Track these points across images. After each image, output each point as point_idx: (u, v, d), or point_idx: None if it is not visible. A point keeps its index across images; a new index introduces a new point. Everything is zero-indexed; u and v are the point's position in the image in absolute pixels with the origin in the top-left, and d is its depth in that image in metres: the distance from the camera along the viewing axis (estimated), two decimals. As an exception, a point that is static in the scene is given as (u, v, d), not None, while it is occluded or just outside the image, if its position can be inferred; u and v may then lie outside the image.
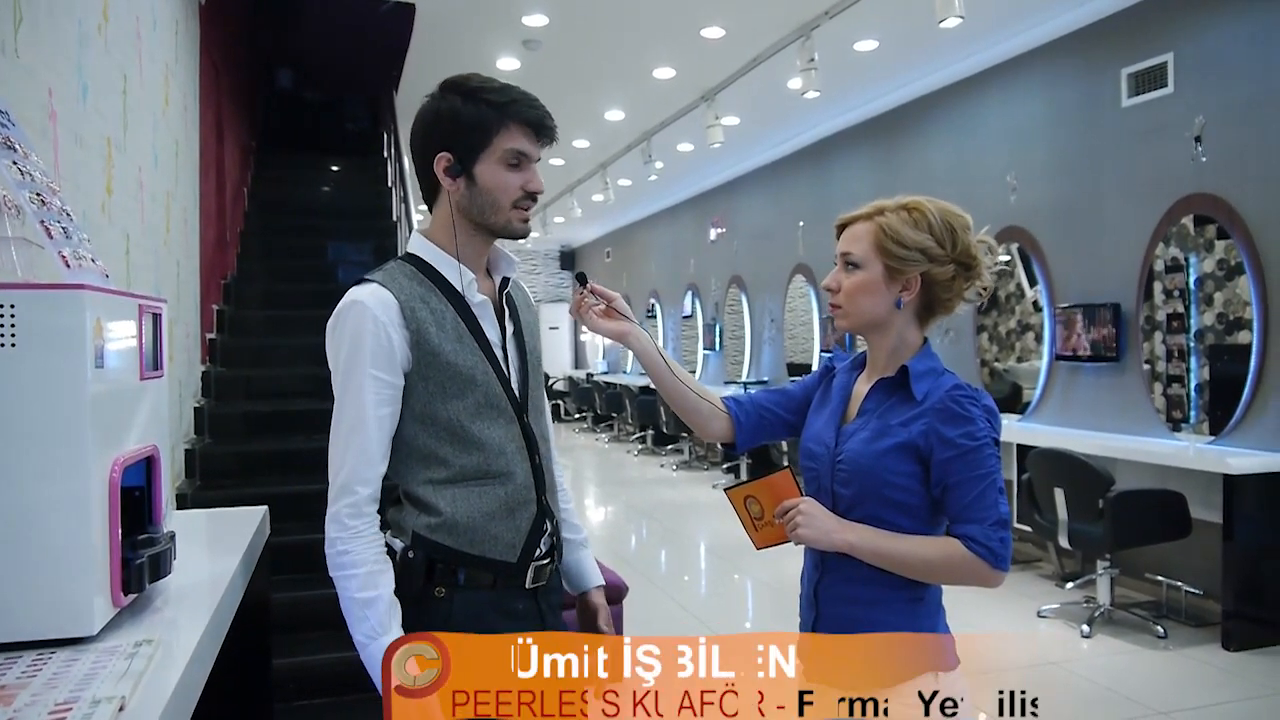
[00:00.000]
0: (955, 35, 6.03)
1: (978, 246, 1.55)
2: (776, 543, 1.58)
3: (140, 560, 1.22)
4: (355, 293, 1.48)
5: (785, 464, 8.16)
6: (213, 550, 1.73)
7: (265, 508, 2.05)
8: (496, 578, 1.52)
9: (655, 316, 13.93)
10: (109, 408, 1.19)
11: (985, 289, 1.58)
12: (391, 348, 1.46)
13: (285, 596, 3.52)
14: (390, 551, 1.51)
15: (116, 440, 1.22)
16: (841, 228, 1.60)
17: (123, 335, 1.26)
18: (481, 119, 1.49)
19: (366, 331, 1.45)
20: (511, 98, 1.51)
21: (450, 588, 1.50)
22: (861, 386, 1.61)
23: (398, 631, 1.43)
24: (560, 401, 16.59)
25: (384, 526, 1.54)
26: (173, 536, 1.35)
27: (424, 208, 1.61)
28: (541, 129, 1.54)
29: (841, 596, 1.54)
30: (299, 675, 3.35)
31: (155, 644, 1.11)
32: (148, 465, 1.36)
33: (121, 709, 0.92)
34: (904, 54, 6.48)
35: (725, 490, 1.63)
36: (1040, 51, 6.00)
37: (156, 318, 1.40)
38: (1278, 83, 4.46)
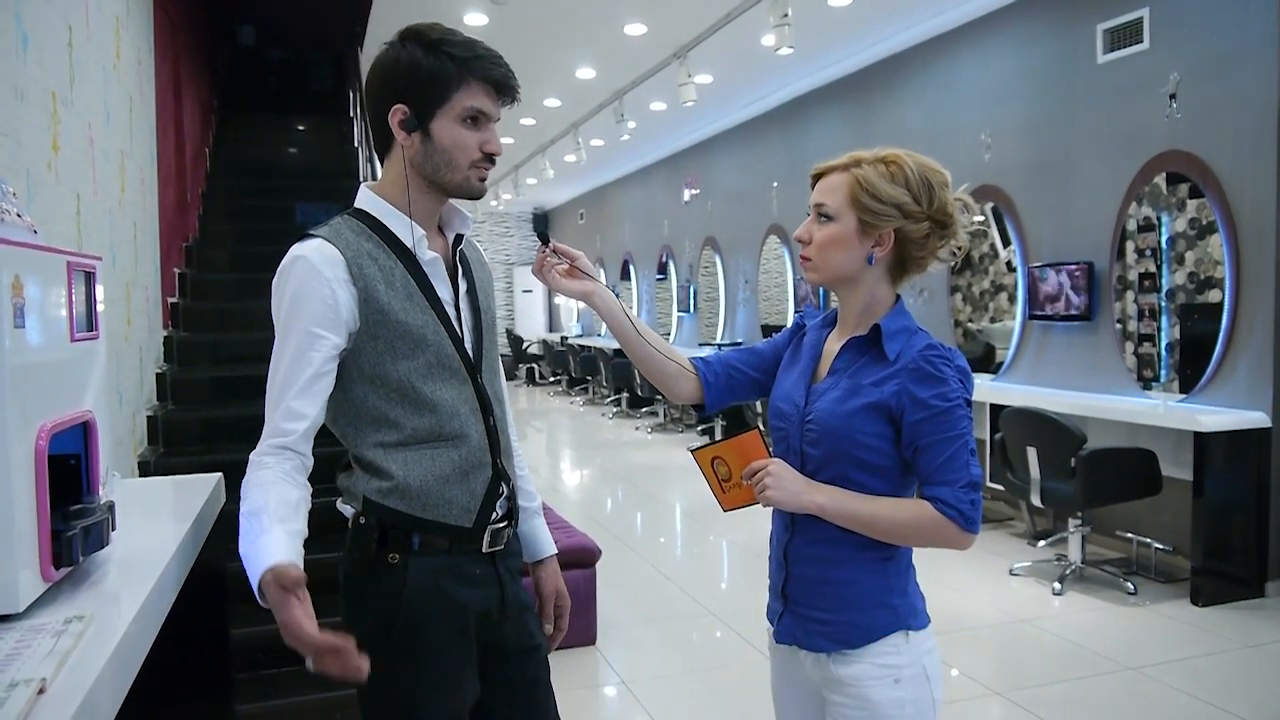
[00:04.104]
0: (930, -10, 5.95)
1: (954, 204, 1.50)
2: (744, 504, 1.54)
3: (73, 532, 1.15)
4: (299, 248, 1.42)
5: (757, 424, 8.16)
6: (161, 519, 1.66)
7: (220, 474, 1.98)
8: (452, 543, 1.48)
9: (630, 278, 13.85)
10: (33, 371, 1.12)
11: (959, 248, 1.54)
12: (336, 306, 1.39)
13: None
14: (341, 518, 1.46)
15: (43, 405, 1.15)
16: (817, 178, 1.54)
17: (48, 294, 1.18)
18: (442, 72, 1.42)
19: (309, 288, 1.38)
20: (475, 53, 1.44)
21: (404, 553, 1.45)
22: (832, 345, 1.57)
23: (280, 534, 1.24)
24: (534, 365, 16.52)
25: (334, 493, 1.48)
26: (111, 506, 1.28)
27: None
28: (504, 88, 1.47)
29: (811, 557, 1.52)
30: (267, 644, 3.29)
31: (87, 620, 1.05)
32: (84, 432, 1.29)
33: (42, 691, 0.86)
34: (878, 10, 6.37)
35: (692, 451, 1.58)
36: (1016, 7, 5.93)
37: (89, 276, 1.33)
38: (1252, 39, 4.42)
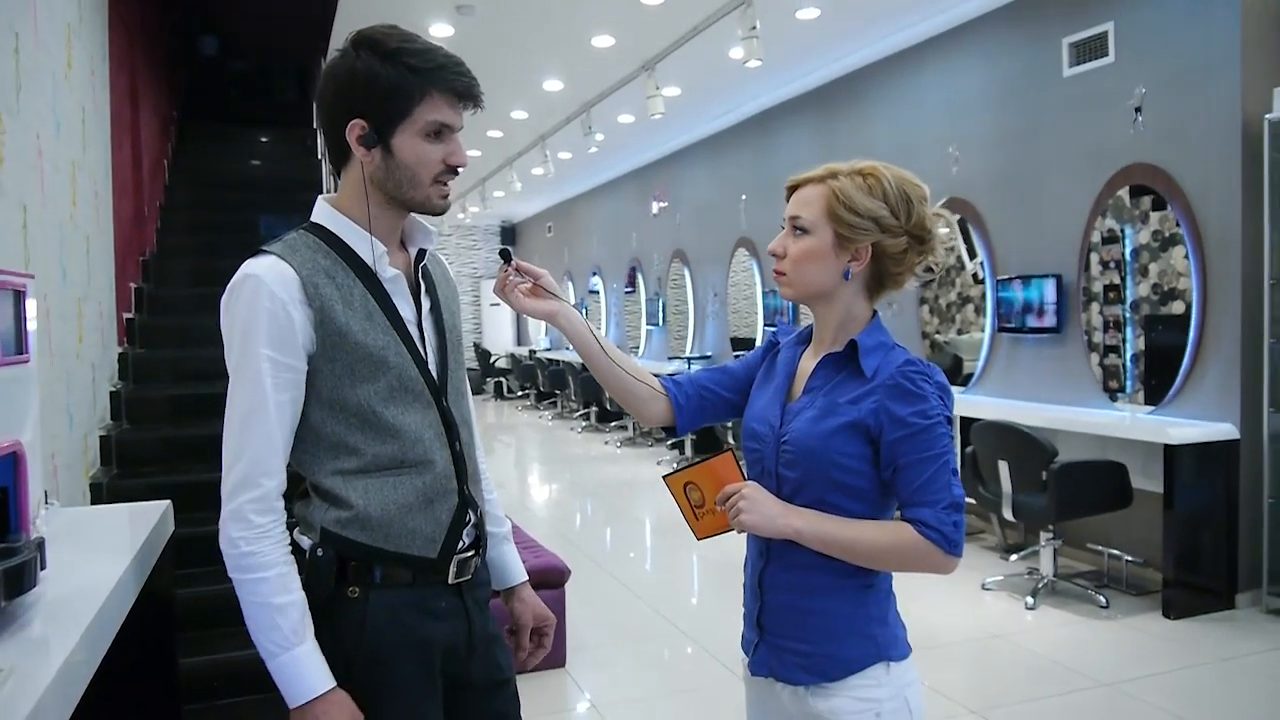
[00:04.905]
0: (898, 3, 5.95)
1: (932, 219, 1.45)
2: (718, 532, 1.48)
3: (-6, 574, 1.06)
4: (251, 265, 1.34)
5: (730, 442, 8.10)
6: (101, 553, 1.57)
7: (168, 501, 1.89)
8: (416, 574, 1.40)
9: (598, 292, 13.79)
10: (-50, 399, 1.04)
11: (937, 264, 1.49)
12: (292, 327, 1.32)
13: (208, 590, 3.34)
14: (298, 549, 1.38)
15: (-37, 436, 1.06)
16: (791, 190, 1.49)
17: (-32, 316, 1.10)
18: (403, 86, 1.34)
19: (262, 309, 1.30)
20: (437, 62, 1.35)
21: (365, 587, 1.37)
22: (807, 362, 1.52)
23: (311, 641, 1.30)
24: (502, 379, 16.39)
25: (290, 523, 1.40)
26: (41, 544, 1.20)
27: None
28: (467, 96, 1.39)
29: (788, 585, 1.45)
30: (222, 673, 3.18)
31: (6, 673, 0.96)
32: (13, 463, 1.20)
33: (-55, 760, 0.78)
34: (847, 23, 6.38)
35: (664, 478, 1.51)
36: (983, 20, 5.95)
37: (18, 295, 1.24)
38: (1216, 52, 4.45)
